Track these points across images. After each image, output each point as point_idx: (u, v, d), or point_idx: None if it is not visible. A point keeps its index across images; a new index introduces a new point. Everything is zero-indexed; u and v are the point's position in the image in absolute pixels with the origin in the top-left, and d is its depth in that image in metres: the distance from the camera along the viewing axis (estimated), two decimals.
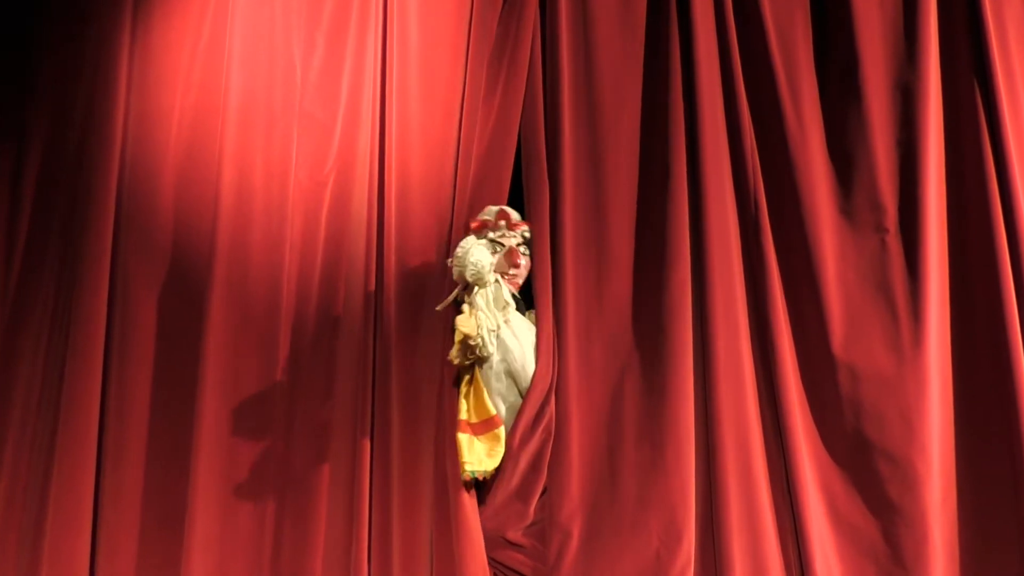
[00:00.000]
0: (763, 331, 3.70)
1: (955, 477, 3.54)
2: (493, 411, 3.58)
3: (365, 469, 3.61)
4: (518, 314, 3.71)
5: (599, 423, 3.65)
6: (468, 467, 3.50)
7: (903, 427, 3.54)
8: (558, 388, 3.66)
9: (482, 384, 3.60)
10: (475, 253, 3.60)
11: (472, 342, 3.55)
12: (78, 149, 4.13)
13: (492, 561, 3.51)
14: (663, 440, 3.57)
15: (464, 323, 3.56)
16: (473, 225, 3.75)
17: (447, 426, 3.61)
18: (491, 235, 3.71)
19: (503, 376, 3.64)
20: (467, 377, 3.63)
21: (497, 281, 3.65)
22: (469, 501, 3.49)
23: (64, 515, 3.68)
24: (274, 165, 3.98)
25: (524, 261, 3.73)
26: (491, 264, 3.63)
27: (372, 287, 3.81)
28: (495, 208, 3.76)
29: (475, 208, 3.81)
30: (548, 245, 3.77)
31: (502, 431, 3.57)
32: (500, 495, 3.59)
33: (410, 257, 3.83)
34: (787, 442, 3.58)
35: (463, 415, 3.58)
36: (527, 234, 3.77)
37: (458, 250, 3.65)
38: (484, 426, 3.57)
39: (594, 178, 3.88)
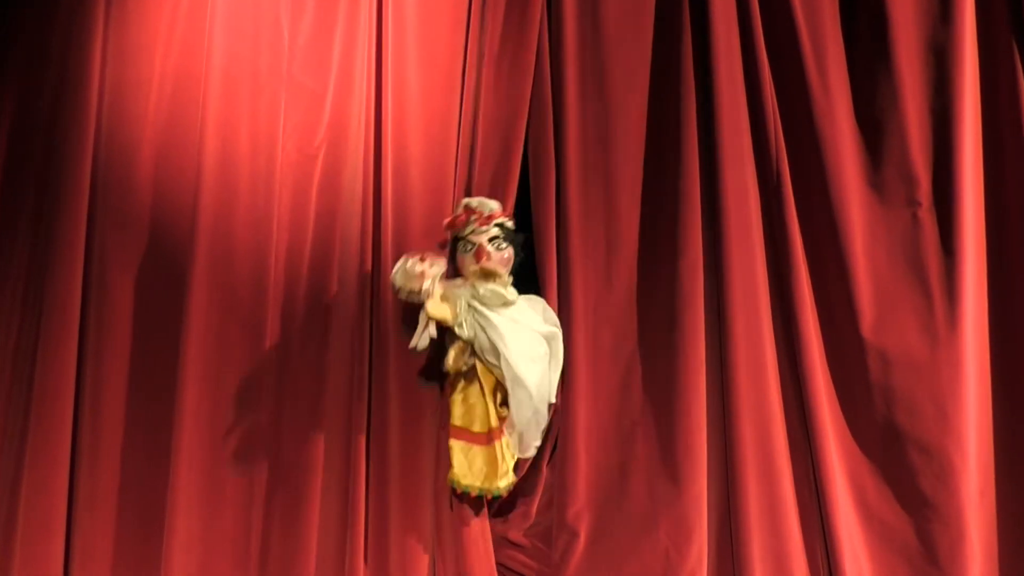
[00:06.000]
0: (787, 314, 3.62)
1: (993, 469, 3.51)
2: (495, 422, 3.43)
3: (361, 466, 3.51)
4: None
5: (607, 417, 3.58)
6: (462, 480, 3.40)
7: (937, 416, 3.48)
8: (564, 380, 3.56)
9: (488, 389, 3.44)
10: (397, 277, 3.45)
11: (452, 323, 3.38)
12: (49, 119, 3.93)
13: (496, 564, 3.47)
14: (673, 434, 3.53)
15: (435, 308, 3.37)
16: (445, 222, 3.58)
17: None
18: (461, 233, 3.53)
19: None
20: (461, 383, 3.49)
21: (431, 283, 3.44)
22: (475, 502, 3.43)
23: (36, 515, 3.55)
24: (260, 136, 3.81)
25: (504, 254, 3.51)
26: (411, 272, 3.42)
27: (368, 269, 3.68)
28: (465, 201, 3.58)
29: (480, 185, 3.68)
30: (554, 226, 3.67)
31: (501, 446, 3.42)
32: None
33: (409, 236, 3.68)
34: (813, 433, 3.51)
35: (457, 420, 3.45)
36: (508, 224, 3.57)
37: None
38: (486, 437, 3.43)
39: (602, 153, 3.77)
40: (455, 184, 3.72)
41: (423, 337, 3.39)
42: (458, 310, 3.39)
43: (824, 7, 3.77)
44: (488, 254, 3.48)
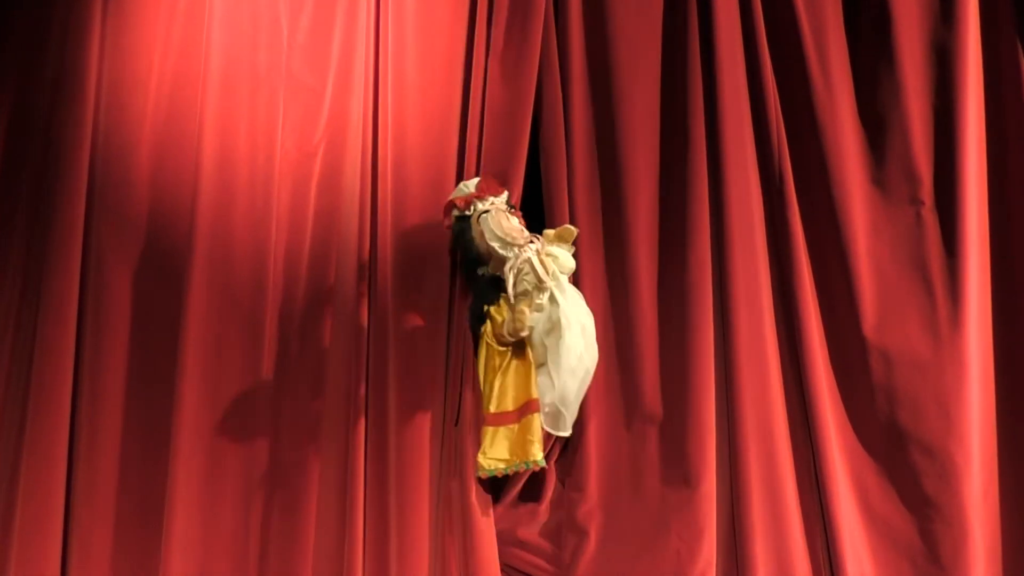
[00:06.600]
0: (789, 312, 3.60)
1: (997, 470, 3.49)
2: (535, 393, 3.33)
3: (359, 463, 3.46)
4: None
5: (617, 416, 3.54)
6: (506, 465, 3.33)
7: (940, 416, 3.46)
8: None
9: (531, 359, 3.37)
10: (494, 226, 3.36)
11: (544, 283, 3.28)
12: (47, 118, 3.88)
13: (503, 564, 3.44)
14: (684, 433, 3.48)
15: (548, 260, 3.27)
16: (459, 203, 3.47)
17: (451, 418, 3.50)
18: (480, 206, 3.43)
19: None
20: (501, 362, 3.39)
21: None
22: (481, 501, 3.39)
23: (34, 512, 3.51)
24: (259, 134, 3.78)
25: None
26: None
27: (366, 266, 3.65)
28: (469, 182, 3.51)
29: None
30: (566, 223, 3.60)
31: (537, 418, 3.34)
32: (510, 493, 3.49)
33: (408, 234, 3.64)
34: (815, 432, 3.49)
35: (493, 407, 3.36)
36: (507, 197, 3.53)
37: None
38: (522, 410, 3.35)
39: (610, 152, 3.73)
40: (457, 180, 3.66)
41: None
42: (551, 274, 3.31)
43: (826, 4, 3.75)
44: (518, 213, 3.43)
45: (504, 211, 3.40)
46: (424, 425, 3.51)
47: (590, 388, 3.47)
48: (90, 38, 3.87)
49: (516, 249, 3.33)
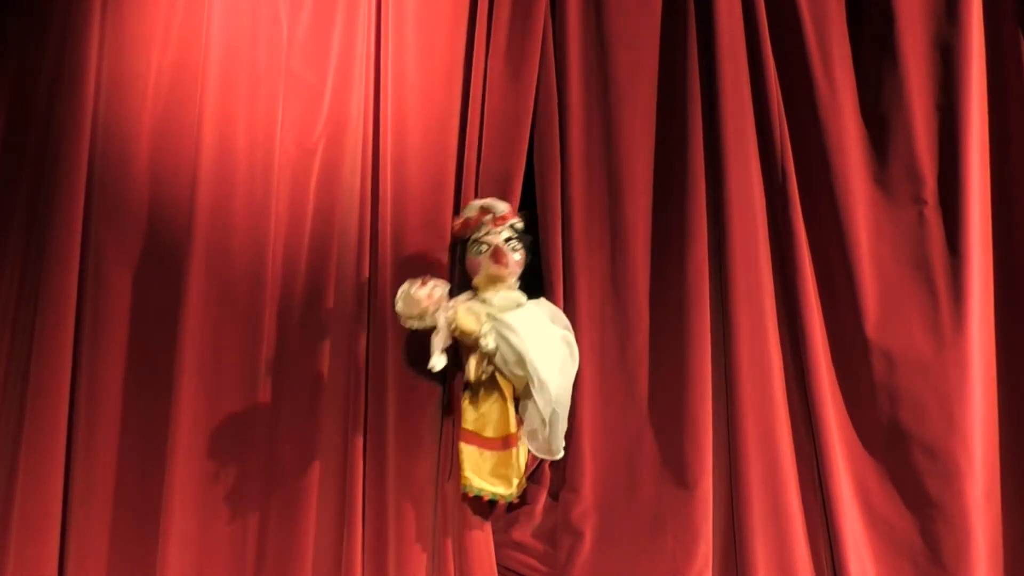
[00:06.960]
0: (791, 312, 3.58)
1: (999, 471, 3.46)
2: (513, 428, 3.39)
3: (358, 464, 3.46)
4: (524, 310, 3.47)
5: (613, 418, 3.53)
6: (475, 483, 3.37)
7: (943, 417, 3.44)
8: None
9: (508, 396, 3.40)
10: (400, 305, 3.38)
11: (478, 335, 3.32)
12: (46, 113, 3.87)
13: (498, 566, 3.44)
14: (681, 434, 3.47)
15: (465, 320, 3.30)
16: (456, 224, 3.55)
17: (451, 419, 3.50)
18: (473, 235, 3.48)
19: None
20: (478, 391, 3.43)
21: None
22: (476, 503, 3.39)
23: (31, 513, 3.52)
24: (258, 130, 3.77)
25: (516, 256, 3.48)
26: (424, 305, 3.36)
27: (366, 264, 3.64)
28: (477, 203, 3.53)
29: (483, 181, 3.64)
30: (559, 227, 3.62)
31: (517, 452, 3.40)
32: None
33: (408, 231, 3.63)
34: (817, 433, 3.47)
35: (468, 425, 3.41)
36: (518, 225, 3.54)
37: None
38: (502, 443, 3.40)
39: (607, 152, 3.71)
40: (459, 178, 3.67)
41: (441, 357, 3.33)
42: (482, 322, 3.34)
43: (830, 2, 3.72)
44: (506, 255, 3.43)
45: (415, 284, 3.37)
46: (423, 425, 3.50)
47: (586, 388, 3.49)
48: (89, 32, 3.86)
49: (437, 316, 3.35)
